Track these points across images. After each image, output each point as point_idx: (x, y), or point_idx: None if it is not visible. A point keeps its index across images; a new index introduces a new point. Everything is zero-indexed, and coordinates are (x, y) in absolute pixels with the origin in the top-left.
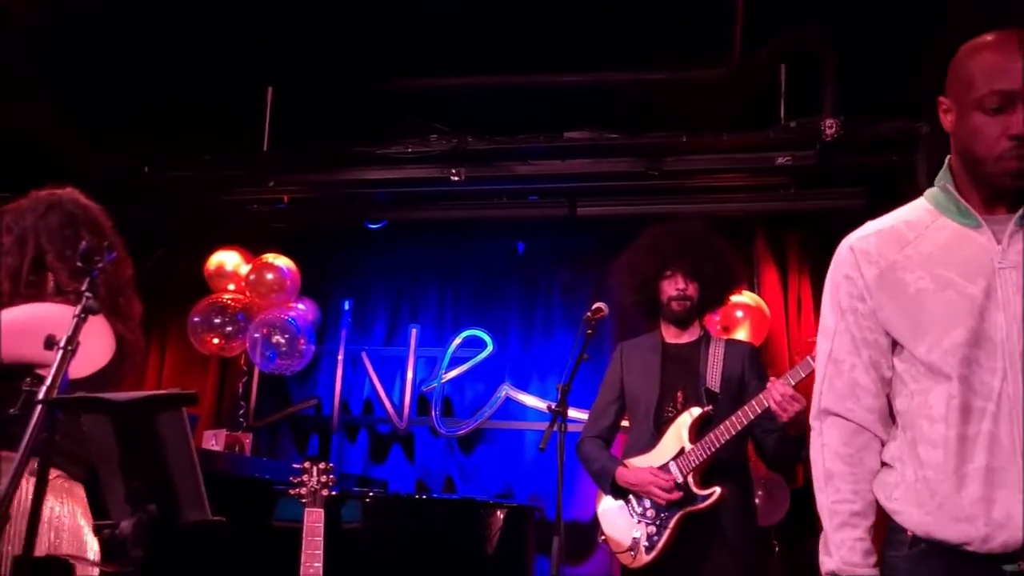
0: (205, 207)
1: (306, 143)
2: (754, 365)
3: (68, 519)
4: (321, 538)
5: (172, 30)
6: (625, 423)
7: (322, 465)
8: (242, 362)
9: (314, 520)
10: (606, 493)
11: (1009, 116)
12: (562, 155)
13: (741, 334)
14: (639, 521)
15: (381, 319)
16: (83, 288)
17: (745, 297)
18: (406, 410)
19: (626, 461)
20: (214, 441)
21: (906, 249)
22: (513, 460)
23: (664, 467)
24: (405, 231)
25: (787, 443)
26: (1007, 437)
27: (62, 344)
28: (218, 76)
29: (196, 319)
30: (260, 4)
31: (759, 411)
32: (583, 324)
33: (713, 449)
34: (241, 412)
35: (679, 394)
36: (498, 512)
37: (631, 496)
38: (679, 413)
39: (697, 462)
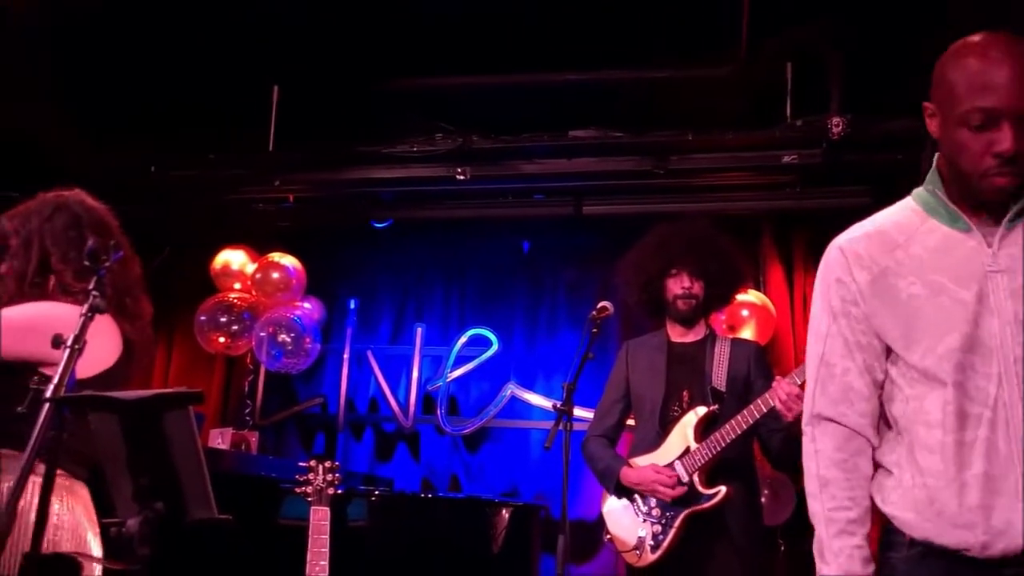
0: (211, 206)
1: (312, 142)
2: (760, 364)
3: (67, 517)
4: (327, 536)
5: (178, 29)
6: (631, 422)
7: (328, 464)
8: (248, 361)
9: (320, 518)
10: (610, 493)
11: (994, 133)
12: (567, 154)
13: (747, 333)
14: (644, 520)
15: (387, 318)
16: (90, 287)
17: (751, 296)
18: (412, 409)
19: (631, 460)
20: (220, 440)
21: (896, 253)
22: (518, 459)
23: (669, 466)
24: (411, 230)
25: (792, 442)
26: (1004, 443)
27: (69, 343)
28: (224, 75)
29: (202, 318)
30: (266, 3)
31: (765, 410)
32: (588, 323)
33: (719, 448)
34: (247, 411)
35: (685, 393)
36: (503, 511)
37: (636, 495)
38: (685, 412)
39: (703, 461)
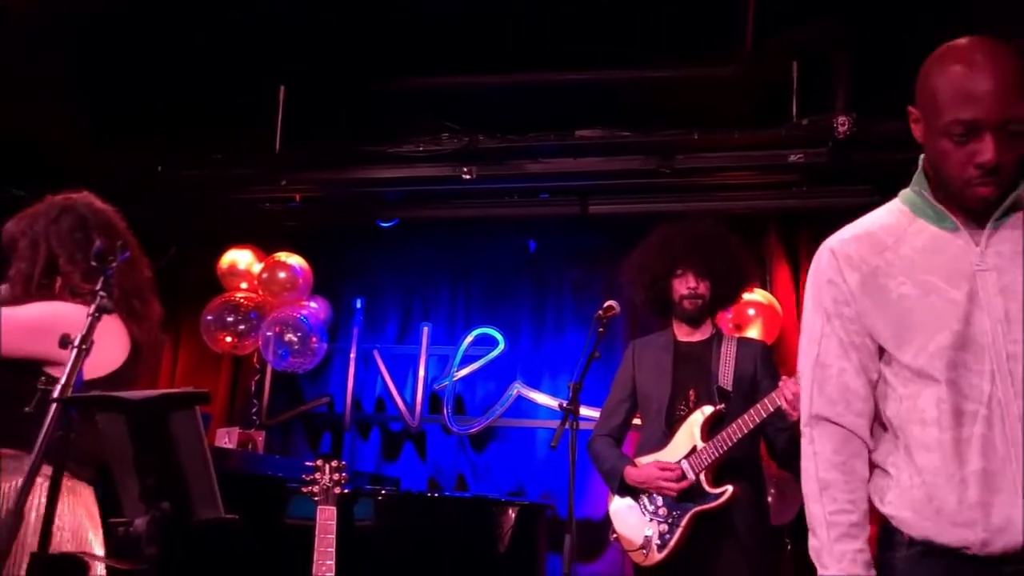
0: (218, 206)
1: (318, 142)
2: (766, 363)
3: (68, 517)
4: (333, 536)
5: (184, 29)
6: (637, 421)
7: (334, 463)
8: (255, 360)
9: (326, 518)
10: (614, 493)
11: (976, 143)
12: (573, 153)
13: (753, 332)
14: (651, 519)
15: (393, 317)
16: (97, 287)
17: (757, 295)
18: (418, 408)
19: (637, 459)
20: (227, 439)
21: (886, 254)
22: (525, 458)
23: (676, 465)
24: (417, 229)
25: (798, 442)
26: (1001, 440)
27: (76, 343)
28: (230, 75)
29: (209, 317)
30: (273, 3)
31: (771, 409)
32: (595, 322)
33: (725, 447)
34: (254, 410)
35: (691, 392)
36: (510, 510)
37: (643, 494)
38: (691, 411)
39: (709, 460)
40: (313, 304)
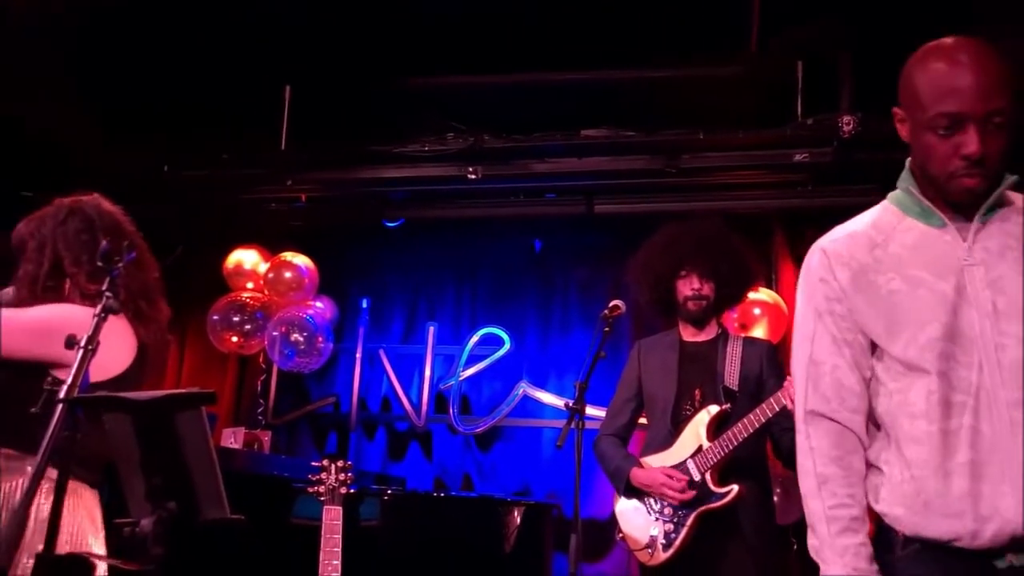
0: (224, 206)
1: (323, 142)
2: (772, 363)
3: (68, 518)
4: (339, 536)
5: (190, 29)
6: (643, 421)
7: (340, 463)
8: (261, 360)
9: (332, 518)
10: (620, 493)
11: (960, 136)
12: (579, 153)
13: (759, 332)
14: (657, 519)
15: (399, 317)
16: (103, 288)
17: (763, 294)
18: (424, 408)
19: (643, 459)
20: (233, 439)
21: (875, 252)
22: (531, 458)
23: (682, 464)
24: (422, 229)
25: None
26: (988, 431)
27: (82, 344)
28: (236, 75)
29: (215, 317)
30: (278, 3)
31: (777, 409)
32: (600, 322)
33: (731, 447)
34: (260, 410)
35: (697, 392)
36: (516, 510)
37: (648, 494)
38: (697, 411)
39: (715, 460)
40: (319, 304)
